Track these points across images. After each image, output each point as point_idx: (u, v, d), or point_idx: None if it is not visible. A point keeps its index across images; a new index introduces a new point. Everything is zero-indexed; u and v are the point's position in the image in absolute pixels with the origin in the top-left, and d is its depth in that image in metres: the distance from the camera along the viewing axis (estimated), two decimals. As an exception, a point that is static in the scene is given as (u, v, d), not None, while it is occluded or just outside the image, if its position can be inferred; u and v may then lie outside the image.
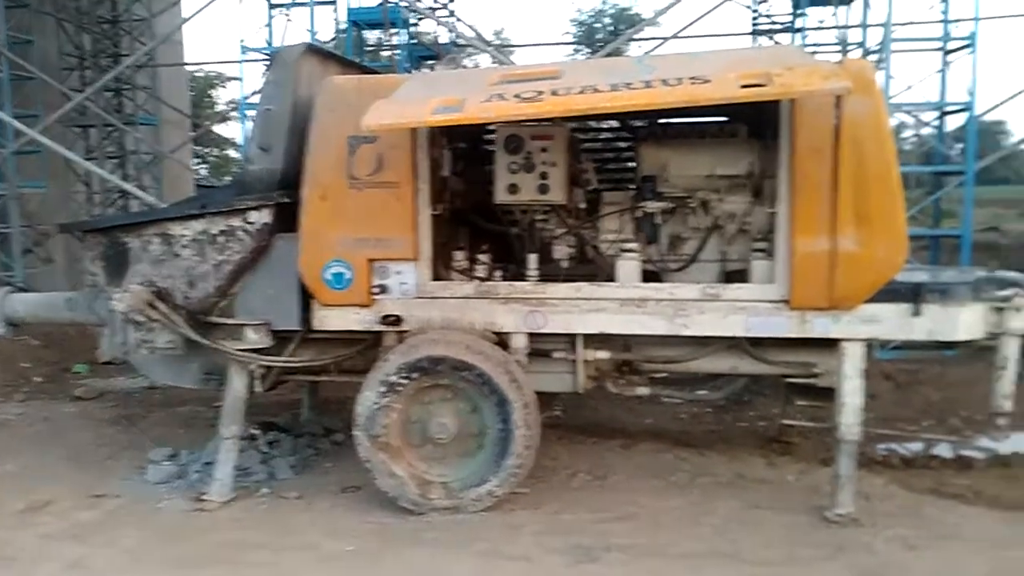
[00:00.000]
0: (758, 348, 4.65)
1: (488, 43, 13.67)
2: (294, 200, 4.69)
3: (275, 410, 6.33)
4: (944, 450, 5.51)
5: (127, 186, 11.04)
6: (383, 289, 4.65)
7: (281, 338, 4.91)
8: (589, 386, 4.86)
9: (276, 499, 4.89)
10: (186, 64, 16.87)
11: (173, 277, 4.87)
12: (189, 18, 13.94)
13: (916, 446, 5.58)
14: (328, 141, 4.59)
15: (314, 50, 5.11)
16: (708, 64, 3.88)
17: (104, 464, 5.60)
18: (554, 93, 3.57)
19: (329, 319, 4.72)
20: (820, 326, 4.36)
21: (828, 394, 4.61)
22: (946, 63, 8.77)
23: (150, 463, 5.39)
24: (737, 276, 4.73)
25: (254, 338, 4.80)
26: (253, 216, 4.73)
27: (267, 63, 4.73)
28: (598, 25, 27.44)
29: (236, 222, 4.76)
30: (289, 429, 5.76)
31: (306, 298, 4.75)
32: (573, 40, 27.19)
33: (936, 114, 9.18)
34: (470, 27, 15.34)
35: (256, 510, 4.77)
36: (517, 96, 3.60)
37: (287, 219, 4.72)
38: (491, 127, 4.82)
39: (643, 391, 4.94)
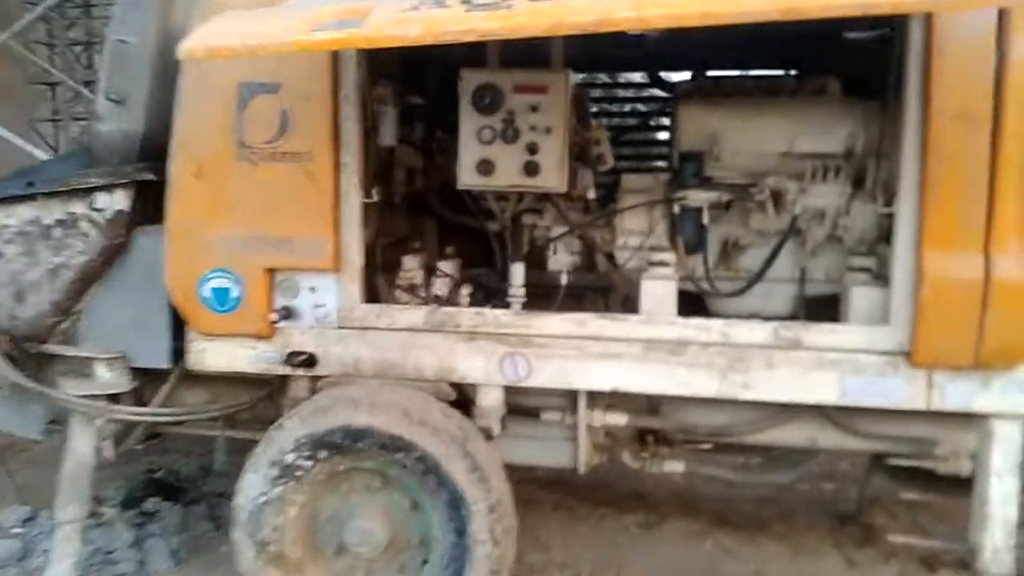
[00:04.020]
0: (848, 414, 3.08)
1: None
2: (163, 177, 3.15)
3: (178, 450, 4.81)
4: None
5: None
6: (289, 313, 3.10)
7: (152, 376, 3.41)
8: (596, 461, 3.30)
9: (137, 610, 3.39)
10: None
11: (-7, 286, 3.36)
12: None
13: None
14: (207, 89, 3.04)
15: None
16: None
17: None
18: (536, -5, 1.97)
19: (209, 355, 3.18)
20: (957, 395, 2.79)
21: (952, 485, 3.09)
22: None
23: (-6, 531, 3.92)
24: (823, 306, 3.16)
25: (107, 377, 3.29)
26: (102, 200, 3.20)
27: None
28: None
29: (79, 208, 3.22)
30: (183, 487, 4.24)
31: (182, 323, 3.23)
32: None
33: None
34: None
35: (104, 628, 3.28)
36: (468, 3, 2.01)
37: (153, 205, 3.19)
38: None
39: (676, 468, 3.38)
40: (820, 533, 4.10)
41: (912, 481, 3.28)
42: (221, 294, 3.09)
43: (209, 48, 2.15)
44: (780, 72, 3.85)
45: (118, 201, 3.21)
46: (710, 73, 3.94)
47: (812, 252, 3.16)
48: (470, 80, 3.03)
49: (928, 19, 2.69)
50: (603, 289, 3.63)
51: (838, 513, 4.32)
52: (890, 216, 2.87)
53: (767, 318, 3.06)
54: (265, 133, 3.02)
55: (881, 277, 2.98)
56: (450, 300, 3.28)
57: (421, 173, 3.73)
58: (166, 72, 3.21)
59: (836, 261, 3.18)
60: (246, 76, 3.01)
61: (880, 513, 4.20)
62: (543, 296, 3.33)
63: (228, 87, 3.03)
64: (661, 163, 3.55)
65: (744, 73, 3.81)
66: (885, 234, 3.03)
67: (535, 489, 4.35)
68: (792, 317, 3.19)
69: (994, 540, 2.81)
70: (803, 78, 3.39)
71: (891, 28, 3.45)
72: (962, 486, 3.05)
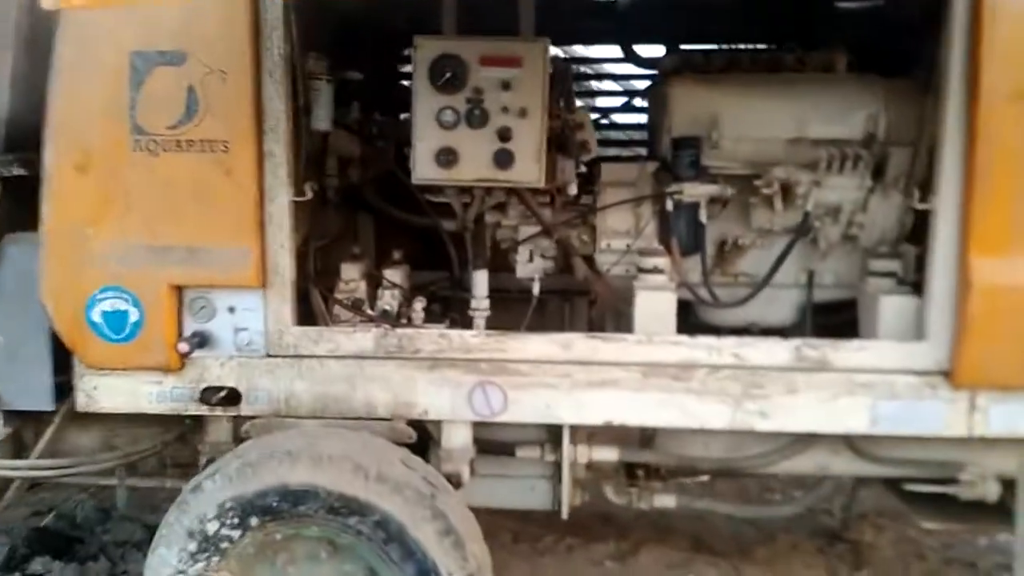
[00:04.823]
0: (866, 437, 2.68)
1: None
2: (36, 171, 2.50)
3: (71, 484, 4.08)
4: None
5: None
6: (203, 340, 2.51)
7: (33, 416, 2.76)
8: (577, 502, 2.82)
9: None
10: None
11: None
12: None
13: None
14: (90, 60, 2.42)
15: None
16: None
17: None
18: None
19: (103, 393, 2.56)
20: (1003, 419, 2.42)
21: (975, 512, 2.72)
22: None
23: None
24: (828, 313, 2.77)
25: (-27, 423, 2.64)
26: (-44, 201, 2.54)
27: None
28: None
29: (-74, 211, 2.56)
30: (78, 537, 3.56)
31: (67, 353, 2.59)
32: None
33: None
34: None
35: None
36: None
37: (24, 206, 2.54)
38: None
39: (667, 503, 2.92)
40: (808, 556, 3.73)
41: (931, 508, 2.92)
42: (116, 318, 2.47)
43: (82, -5, 1.55)
44: (763, 46, 3.43)
45: (-23, 202, 2.55)
46: (684, 47, 3.49)
47: (823, 254, 2.74)
48: (426, 50, 2.48)
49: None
50: (566, 293, 3.17)
51: (822, 529, 3.96)
52: (919, 212, 2.48)
53: (771, 330, 2.66)
54: (168, 116, 2.42)
55: (905, 282, 2.59)
56: (400, 316, 2.73)
57: (357, 162, 3.15)
58: (36, 38, 2.57)
59: (848, 263, 2.78)
60: (140, 43, 2.40)
61: (867, 528, 3.87)
62: (505, 303, 2.84)
63: (118, 57, 2.41)
64: (648, 151, 3.05)
65: (727, 47, 3.36)
66: (908, 232, 2.64)
67: (491, 517, 3.83)
68: (797, 326, 2.79)
69: (1041, 584, 2.47)
70: (806, 52, 2.94)
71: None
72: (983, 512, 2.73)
